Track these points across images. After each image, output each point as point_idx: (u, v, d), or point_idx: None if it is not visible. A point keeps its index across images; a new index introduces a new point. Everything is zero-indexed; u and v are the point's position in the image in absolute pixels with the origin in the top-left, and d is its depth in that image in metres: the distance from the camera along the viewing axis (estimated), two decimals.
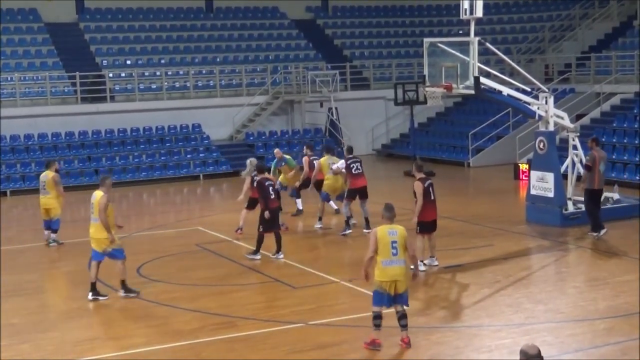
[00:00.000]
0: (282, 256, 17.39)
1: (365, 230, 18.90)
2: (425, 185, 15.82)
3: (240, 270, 16.76)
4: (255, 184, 17.72)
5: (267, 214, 17.07)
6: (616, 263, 16.53)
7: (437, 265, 16.20)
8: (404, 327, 11.77)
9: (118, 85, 34.15)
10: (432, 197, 15.93)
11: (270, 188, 17.34)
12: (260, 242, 17.32)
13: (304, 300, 14.51)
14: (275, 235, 17.46)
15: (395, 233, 11.55)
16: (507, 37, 40.03)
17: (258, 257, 17.35)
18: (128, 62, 35.44)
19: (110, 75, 34.14)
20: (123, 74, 34.57)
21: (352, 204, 19.75)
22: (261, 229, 17.26)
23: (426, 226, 15.86)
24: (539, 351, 7.61)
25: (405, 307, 11.77)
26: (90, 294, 14.86)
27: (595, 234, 18.78)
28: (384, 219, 11.78)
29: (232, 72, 35.90)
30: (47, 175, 19.53)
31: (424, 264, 15.94)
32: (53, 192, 19.41)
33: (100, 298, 14.83)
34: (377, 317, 11.68)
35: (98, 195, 15.01)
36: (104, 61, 35.03)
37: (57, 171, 19.83)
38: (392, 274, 11.49)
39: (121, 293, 14.90)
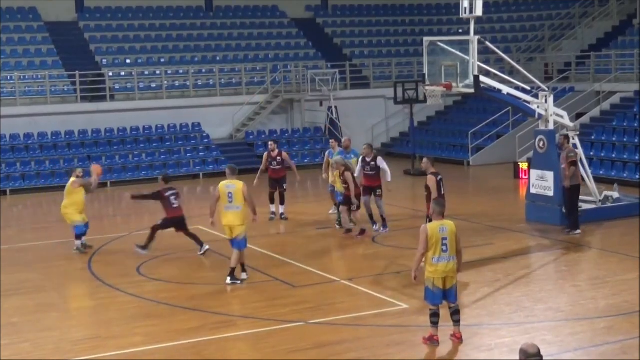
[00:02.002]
0: (206, 247, 17.93)
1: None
2: (438, 179, 16.41)
3: (240, 269, 16.73)
4: (156, 194, 17.90)
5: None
6: (616, 262, 16.53)
7: None
8: (457, 322, 11.91)
9: (118, 84, 34.15)
10: (442, 192, 16.33)
11: (173, 197, 17.69)
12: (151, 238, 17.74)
13: (304, 299, 14.52)
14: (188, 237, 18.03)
15: (445, 229, 11.63)
16: (506, 35, 40.03)
17: (145, 252, 17.73)
18: (128, 61, 35.44)
19: (110, 74, 34.13)
20: (123, 73, 34.57)
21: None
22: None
23: None
24: (539, 350, 7.61)
25: (456, 302, 11.90)
26: (229, 278, 15.47)
27: (577, 232, 18.82)
28: (434, 214, 11.91)
29: (232, 71, 35.89)
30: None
31: None
32: (66, 199, 18.67)
33: (238, 282, 15.45)
34: (434, 314, 11.79)
35: (239, 184, 15.53)
36: (103, 60, 35.03)
37: (78, 176, 18.79)
38: (443, 269, 11.60)
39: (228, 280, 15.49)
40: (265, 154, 22.29)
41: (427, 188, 16.37)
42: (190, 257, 17.98)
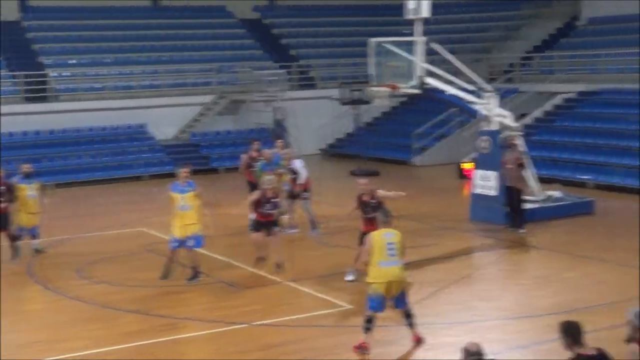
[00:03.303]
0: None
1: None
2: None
3: (185, 271, 16.62)
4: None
5: None
6: (559, 260, 16.75)
7: None
8: (411, 325, 11.88)
9: (62, 85, 33.72)
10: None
11: None
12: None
13: (249, 301, 14.47)
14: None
15: (390, 235, 11.69)
16: (452, 37, 40.26)
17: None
18: (72, 61, 35.00)
19: (54, 74, 33.71)
20: (67, 73, 34.15)
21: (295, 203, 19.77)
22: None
23: None
24: (480, 349, 7.68)
25: (408, 306, 11.87)
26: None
27: (522, 231, 19.06)
28: (380, 223, 11.97)
29: (178, 72, 35.66)
30: None
31: None
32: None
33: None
34: (369, 320, 11.62)
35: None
36: (47, 60, 34.55)
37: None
38: (386, 274, 11.52)
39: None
40: (246, 155, 20.91)
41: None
42: (135, 259, 17.83)
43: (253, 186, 19.74)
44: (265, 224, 16.16)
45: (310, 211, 19.60)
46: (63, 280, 16.16)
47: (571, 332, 7.70)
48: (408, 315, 11.87)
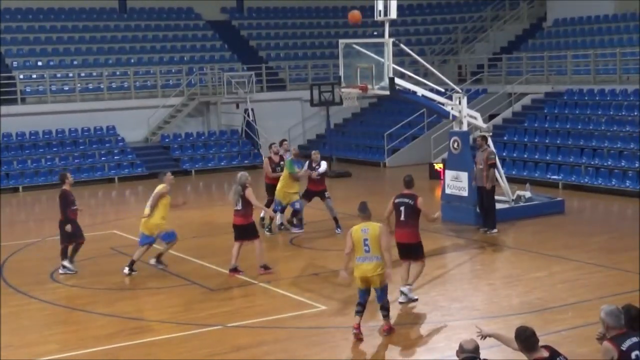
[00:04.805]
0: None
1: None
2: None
3: (156, 273, 16.58)
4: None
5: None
6: (529, 260, 16.86)
7: None
8: (384, 316, 12.27)
9: (29, 87, 33.45)
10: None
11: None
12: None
13: (222, 303, 14.46)
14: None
15: (367, 231, 11.91)
16: (421, 38, 40.52)
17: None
18: (39, 63, 34.73)
19: (21, 76, 33.43)
20: (34, 76, 33.88)
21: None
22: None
23: None
24: (476, 347, 7.76)
25: (384, 301, 12.16)
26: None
27: (494, 231, 19.19)
28: (359, 218, 12.18)
29: (146, 74, 35.50)
30: None
31: None
32: None
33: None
34: (358, 304, 12.17)
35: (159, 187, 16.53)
36: (14, 62, 34.26)
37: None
38: (363, 269, 11.90)
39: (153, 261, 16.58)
40: (267, 159, 20.50)
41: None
42: (106, 261, 17.74)
43: (273, 189, 19.79)
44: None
45: (333, 210, 19.65)
46: (34, 283, 16.05)
47: (525, 339, 7.80)
48: (382, 307, 12.23)
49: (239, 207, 15.92)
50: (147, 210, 16.38)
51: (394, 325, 12.61)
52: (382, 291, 12.09)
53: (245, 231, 16.05)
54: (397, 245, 14.00)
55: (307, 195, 19.93)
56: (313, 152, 20.28)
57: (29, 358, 11.94)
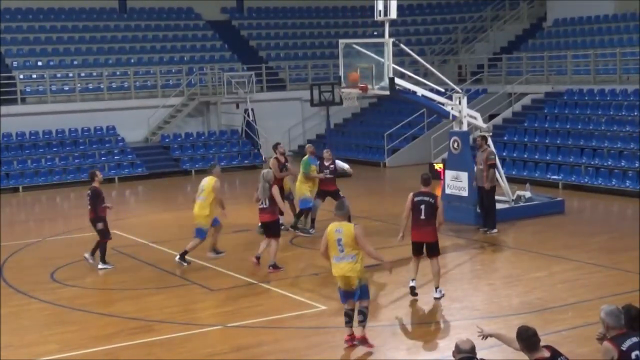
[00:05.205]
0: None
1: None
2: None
3: (156, 273, 16.60)
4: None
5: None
6: (529, 260, 16.86)
7: None
8: (360, 322, 11.73)
9: (29, 87, 33.46)
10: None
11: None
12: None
13: (222, 303, 14.46)
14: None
15: (341, 231, 11.57)
16: (421, 38, 40.52)
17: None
18: (39, 63, 34.74)
19: (21, 76, 33.44)
20: (34, 76, 33.89)
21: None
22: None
23: None
24: (473, 347, 7.77)
25: (362, 303, 11.71)
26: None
27: (494, 231, 19.19)
28: (336, 216, 11.92)
29: (146, 74, 35.51)
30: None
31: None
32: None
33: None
34: (345, 314, 11.82)
35: (211, 180, 16.88)
36: (14, 62, 34.28)
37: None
38: (339, 269, 11.59)
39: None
40: (274, 160, 19.77)
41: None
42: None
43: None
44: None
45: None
46: (34, 283, 16.05)
47: (526, 338, 7.81)
48: (360, 312, 11.73)
49: (266, 204, 16.15)
50: (221, 206, 16.79)
51: (393, 325, 12.62)
52: (362, 290, 11.68)
53: (268, 228, 16.37)
54: (415, 244, 14.13)
55: (321, 195, 19.83)
56: (325, 151, 20.28)
57: (29, 358, 11.95)
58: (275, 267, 16.31)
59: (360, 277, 11.60)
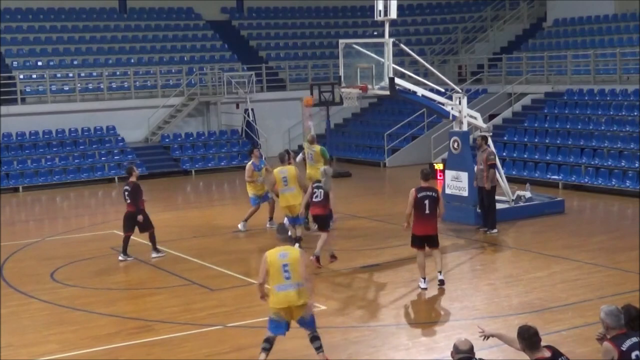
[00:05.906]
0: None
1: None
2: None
3: (156, 273, 16.60)
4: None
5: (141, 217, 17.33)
6: (529, 260, 16.86)
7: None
8: (318, 349, 10.90)
9: (29, 87, 33.45)
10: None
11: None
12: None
13: (222, 303, 14.45)
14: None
15: (287, 255, 10.66)
16: (421, 38, 40.52)
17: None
18: (39, 63, 34.73)
19: (21, 76, 33.43)
20: (34, 76, 33.88)
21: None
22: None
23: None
24: (471, 347, 7.77)
25: (315, 329, 10.97)
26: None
27: (494, 231, 19.19)
28: (277, 240, 11.57)
29: (146, 74, 35.49)
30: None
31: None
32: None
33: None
34: (267, 340, 10.81)
35: (291, 169, 17.68)
36: (14, 62, 34.27)
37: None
38: (284, 299, 10.62)
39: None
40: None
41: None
42: (106, 261, 17.73)
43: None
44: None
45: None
46: (34, 283, 16.05)
47: (527, 337, 7.81)
48: (314, 338, 10.89)
49: (321, 198, 16.40)
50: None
51: (393, 325, 12.61)
52: (311, 321, 10.86)
53: (321, 220, 16.52)
54: (418, 237, 14.60)
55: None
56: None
57: (29, 358, 11.95)
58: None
59: (308, 307, 10.72)
